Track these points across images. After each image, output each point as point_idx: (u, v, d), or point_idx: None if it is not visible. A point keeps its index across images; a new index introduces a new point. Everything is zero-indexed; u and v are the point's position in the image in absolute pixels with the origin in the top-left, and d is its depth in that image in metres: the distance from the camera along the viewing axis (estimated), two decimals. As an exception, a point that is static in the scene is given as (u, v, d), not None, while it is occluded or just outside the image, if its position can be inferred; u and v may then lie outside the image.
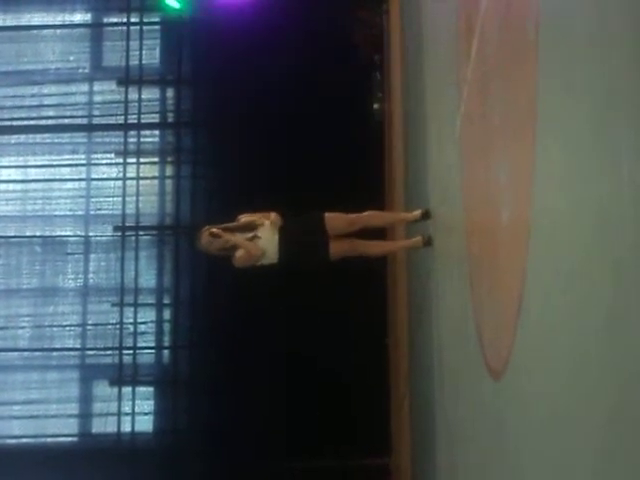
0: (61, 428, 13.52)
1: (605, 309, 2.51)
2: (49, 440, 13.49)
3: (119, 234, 13.64)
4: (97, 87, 14.07)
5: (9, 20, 14.26)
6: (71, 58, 14.08)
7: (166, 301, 13.96)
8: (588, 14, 2.71)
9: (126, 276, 13.51)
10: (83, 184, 13.89)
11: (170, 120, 14.31)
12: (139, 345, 13.55)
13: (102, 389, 13.48)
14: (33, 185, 13.87)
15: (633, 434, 2.26)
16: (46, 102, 13.99)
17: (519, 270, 3.58)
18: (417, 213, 7.59)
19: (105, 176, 13.95)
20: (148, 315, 13.79)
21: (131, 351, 13.45)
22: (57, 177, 13.90)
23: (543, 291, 3.29)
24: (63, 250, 13.73)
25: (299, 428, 12.50)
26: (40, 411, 13.40)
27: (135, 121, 13.95)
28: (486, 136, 4.79)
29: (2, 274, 13.76)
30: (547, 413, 3.22)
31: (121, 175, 13.77)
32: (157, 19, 14.51)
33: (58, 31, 14.20)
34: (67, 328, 13.61)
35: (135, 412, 13.38)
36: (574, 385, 2.84)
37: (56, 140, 14.03)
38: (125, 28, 14.06)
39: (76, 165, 13.95)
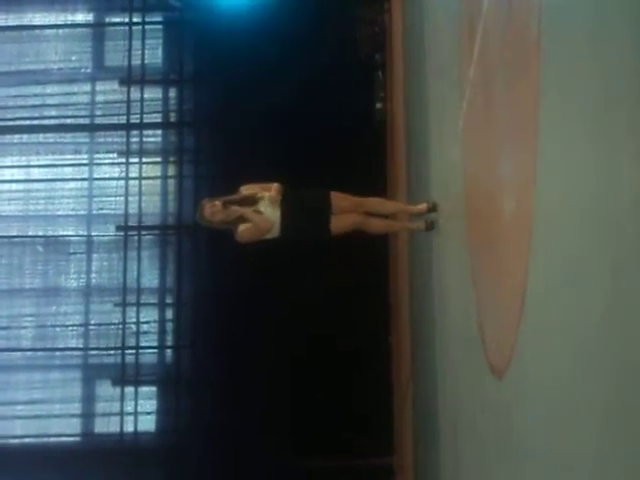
0: (64, 428, 13.50)
1: (607, 308, 2.51)
2: (52, 440, 13.47)
3: (121, 234, 13.63)
4: (99, 87, 14.06)
5: (11, 20, 14.25)
6: (73, 58, 14.08)
7: (169, 301, 13.94)
8: (589, 14, 2.71)
9: (129, 276, 13.50)
10: (85, 184, 13.87)
11: (172, 120, 14.30)
12: (142, 345, 13.53)
13: (105, 389, 13.46)
14: (36, 185, 13.86)
15: (633, 432, 2.27)
16: (48, 102, 13.98)
17: (521, 270, 3.58)
18: (423, 206, 7.58)
19: (107, 176, 13.94)
20: (151, 315, 13.77)
21: (134, 351, 13.43)
22: (59, 177, 13.89)
23: (545, 291, 3.30)
24: (66, 250, 13.72)
25: (302, 427, 12.50)
26: (43, 411, 13.39)
27: (137, 121, 13.94)
28: (489, 135, 4.79)
29: (5, 274, 13.75)
30: (549, 411, 3.22)
31: (123, 175, 13.75)
32: (159, 19, 14.51)
33: (60, 31, 14.19)
34: (70, 328, 13.60)
35: (138, 412, 13.35)
36: (576, 384, 2.84)
37: (58, 140, 14.02)
38: (127, 28, 14.05)
39: (78, 165, 13.93)
